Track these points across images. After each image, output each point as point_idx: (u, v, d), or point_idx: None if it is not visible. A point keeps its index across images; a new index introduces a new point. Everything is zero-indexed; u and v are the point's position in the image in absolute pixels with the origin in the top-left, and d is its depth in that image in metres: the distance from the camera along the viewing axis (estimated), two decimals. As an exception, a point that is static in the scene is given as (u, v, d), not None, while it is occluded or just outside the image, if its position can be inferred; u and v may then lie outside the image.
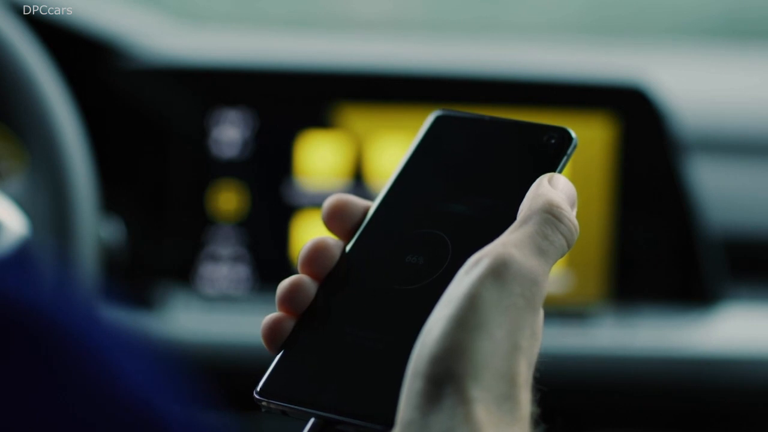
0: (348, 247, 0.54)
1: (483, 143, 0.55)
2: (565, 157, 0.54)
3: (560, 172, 0.53)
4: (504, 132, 0.56)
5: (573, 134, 0.54)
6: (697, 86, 1.35)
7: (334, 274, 0.53)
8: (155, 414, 0.38)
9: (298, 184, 1.22)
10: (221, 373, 1.15)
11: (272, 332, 0.52)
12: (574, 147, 0.54)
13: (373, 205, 0.55)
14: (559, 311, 1.20)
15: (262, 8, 2.14)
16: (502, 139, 0.55)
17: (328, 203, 0.54)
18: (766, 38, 1.91)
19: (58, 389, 0.37)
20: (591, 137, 1.20)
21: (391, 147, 1.21)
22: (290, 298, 0.52)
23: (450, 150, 0.56)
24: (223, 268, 1.22)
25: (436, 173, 0.55)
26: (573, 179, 1.37)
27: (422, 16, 2.18)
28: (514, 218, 0.50)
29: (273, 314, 0.52)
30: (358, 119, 1.22)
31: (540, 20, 2.09)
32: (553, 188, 0.51)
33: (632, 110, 1.21)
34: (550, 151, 0.54)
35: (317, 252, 0.53)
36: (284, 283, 0.52)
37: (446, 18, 2.12)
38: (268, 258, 1.22)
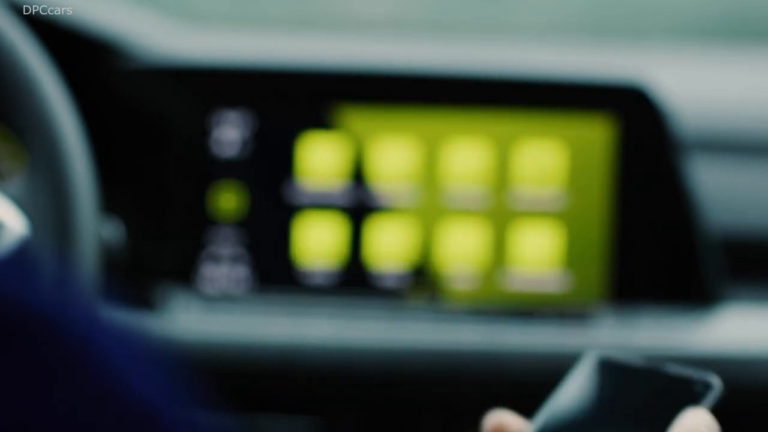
0: None
1: (636, 391, 0.59)
2: (709, 407, 0.59)
3: None
4: (656, 381, 0.60)
5: (717, 383, 0.59)
6: (697, 86, 1.35)
7: None
8: (155, 414, 0.38)
9: (299, 185, 1.22)
10: (221, 373, 1.15)
11: None
12: (717, 395, 0.59)
13: None
14: (559, 311, 1.20)
15: (262, 8, 2.14)
16: (654, 389, 0.59)
17: (487, 423, 0.57)
18: (766, 38, 1.91)
19: (58, 390, 0.37)
20: (591, 137, 1.20)
21: (391, 148, 1.21)
22: None
23: (605, 394, 0.59)
24: (223, 268, 1.22)
25: (588, 417, 0.58)
26: (573, 179, 1.36)
27: (422, 16, 2.18)
28: None
29: None
30: (359, 120, 1.22)
31: (540, 20, 2.09)
32: None
33: (632, 110, 1.20)
34: (697, 401, 0.59)
35: None
36: None
37: (446, 18, 2.12)
38: (268, 258, 1.22)
